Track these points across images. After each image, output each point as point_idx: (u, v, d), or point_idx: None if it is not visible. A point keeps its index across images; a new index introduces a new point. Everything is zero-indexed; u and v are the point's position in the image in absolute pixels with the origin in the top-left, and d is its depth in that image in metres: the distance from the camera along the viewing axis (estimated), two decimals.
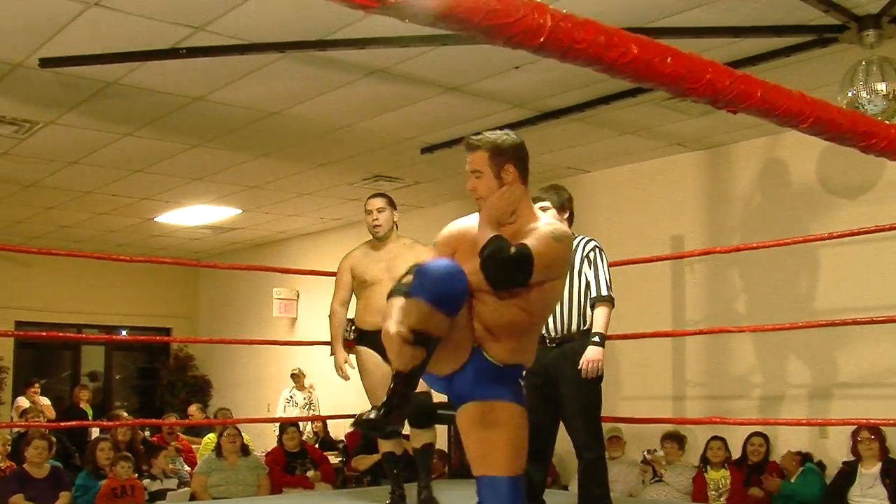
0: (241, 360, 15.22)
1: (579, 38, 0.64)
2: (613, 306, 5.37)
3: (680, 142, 9.00)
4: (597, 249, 5.44)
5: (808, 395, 8.23)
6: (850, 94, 6.15)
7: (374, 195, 6.08)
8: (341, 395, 12.52)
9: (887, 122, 6.18)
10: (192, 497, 8.51)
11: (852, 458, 7.46)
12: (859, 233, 6.56)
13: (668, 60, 0.70)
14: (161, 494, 8.78)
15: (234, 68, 6.81)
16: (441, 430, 6.49)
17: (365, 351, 5.85)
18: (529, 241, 3.50)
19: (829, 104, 0.93)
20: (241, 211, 12.25)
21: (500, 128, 8.11)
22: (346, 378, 5.89)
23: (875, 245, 7.56)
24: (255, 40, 6.21)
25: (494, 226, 3.61)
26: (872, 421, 6.79)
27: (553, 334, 5.27)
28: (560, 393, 5.25)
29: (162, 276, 16.00)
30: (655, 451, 8.71)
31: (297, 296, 14.32)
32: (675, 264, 9.17)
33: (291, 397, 12.99)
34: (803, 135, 7.72)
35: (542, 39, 0.67)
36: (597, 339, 5.20)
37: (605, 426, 8.96)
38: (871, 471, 7.26)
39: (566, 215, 5.48)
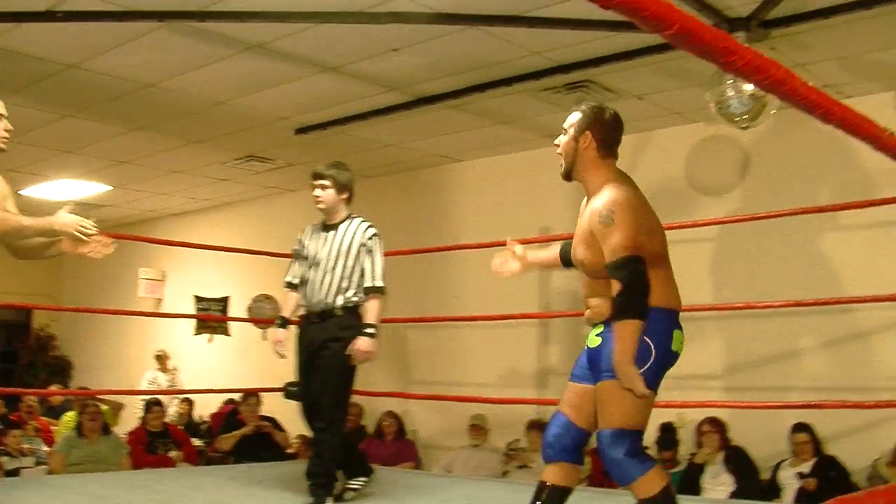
0: (103, 340, 14.95)
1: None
2: (384, 295, 5.56)
3: (552, 134, 9.08)
4: (376, 238, 5.56)
5: (671, 385, 8.43)
6: (717, 92, 6.36)
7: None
8: (205, 376, 12.48)
9: (749, 126, 6.47)
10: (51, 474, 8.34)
11: (698, 450, 7.82)
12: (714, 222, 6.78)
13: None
14: (16, 472, 8.60)
15: (111, 36, 6.67)
16: None
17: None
18: (609, 249, 3.68)
19: (695, 18, 0.98)
20: (110, 187, 12.00)
21: (376, 112, 8.26)
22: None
23: (734, 233, 7.84)
24: (134, 7, 6.11)
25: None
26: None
27: (318, 309, 5.47)
28: (317, 364, 5.44)
29: None
30: (519, 441, 8.86)
31: (164, 276, 14.15)
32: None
33: (154, 379, 12.82)
34: (672, 133, 8.06)
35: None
36: (371, 330, 5.40)
37: (469, 414, 9.15)
38: (716, 459, 7.61)
39: (346, 195, 5.59)
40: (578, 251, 3.89)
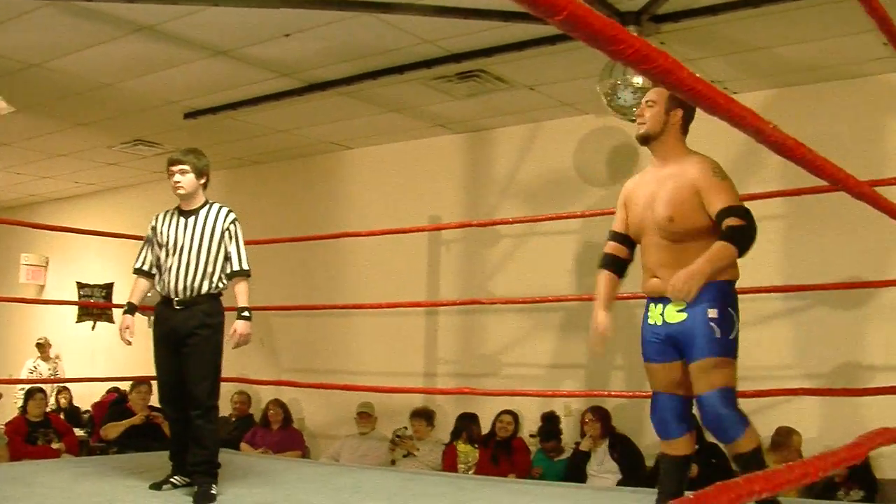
0: None
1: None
2: (249, 277, 5.55)
3: (443, 123, 9.18)
4: (236, 223, 5.52)
5: (554, 376, 8.53)
6: (608, 84, 6.43)
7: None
8: (89, 365, 12.23)
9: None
10: None
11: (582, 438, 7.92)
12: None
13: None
14: None
15: None
16: None
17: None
18: (724, 197, 4.01)
19: (585, 5, 0.98)
20: None
21: (267, 97, 8.17)
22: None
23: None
24: None
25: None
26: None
27: (182, 296, 5.36)
28: (186, 352, 5.33)
29: None
30: (405, 429, 8.87)
31: (47, 262, 13.84)
32: (431, 243, 9.34)
33: (35, 368, 12.57)
34: (562, 123, 8.13)
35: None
36: (246, 313, 5.39)
37: (355, 402, 9.14)
38: (601, 447, 7.72)
39: (203, 180, 5.51)
40: (667, 213, 4.11)
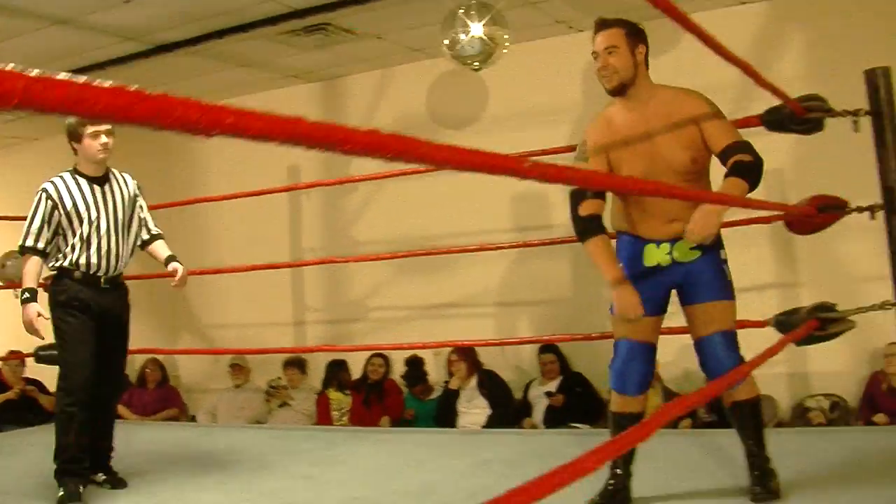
0: None
1: (52, 96, 0.72)
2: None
3: (296, 74, 9.19)
4: (140, 188, 5.23)
5: (422, 316, 8.71)
6: (450, 35, 6.54)
7: None
8: None
9: (482, 67, 6.68)
10: None
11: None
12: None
13: (139, 105, 0.81)
14: None
15: None
16: None
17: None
18: (729, 133, 3.86)
19: (303, 122, 1.03)
20: None
21: (113, 62, 8.06)
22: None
23: (473, 177, 8.07)
24: None
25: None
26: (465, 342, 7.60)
27: (111, 274, 4.93)
28: (114, 335, 5.02)
29: None
30: (279, 379, 8.97)
31: None
32: (291, 194, 9.38)
33: None
34: (413, 68, 8.24)
35: (16, 101, 0.72)
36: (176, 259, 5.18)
37: (228, 355, 9.20)
38: (469, 385, 7.92)
39: (80, 143, 4.91)
40: (688, 155, 3.87)
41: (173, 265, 5.11)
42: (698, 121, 3.82)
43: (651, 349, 4.01)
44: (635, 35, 3.90)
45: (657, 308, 3.97)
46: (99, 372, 4.85)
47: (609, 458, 1.96)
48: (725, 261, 3.96)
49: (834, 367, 7.10)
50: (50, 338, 4.92)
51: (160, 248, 5.22)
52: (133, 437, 6.30)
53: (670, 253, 3.91)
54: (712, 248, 3.89)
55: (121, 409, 9.06)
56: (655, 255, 3.95)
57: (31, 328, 4.79)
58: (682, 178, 3.87)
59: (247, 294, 9.64)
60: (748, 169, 3.71)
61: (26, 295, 4.79)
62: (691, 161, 3.85)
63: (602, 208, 3.98)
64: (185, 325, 10.22)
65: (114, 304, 4.98)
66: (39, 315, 4.78)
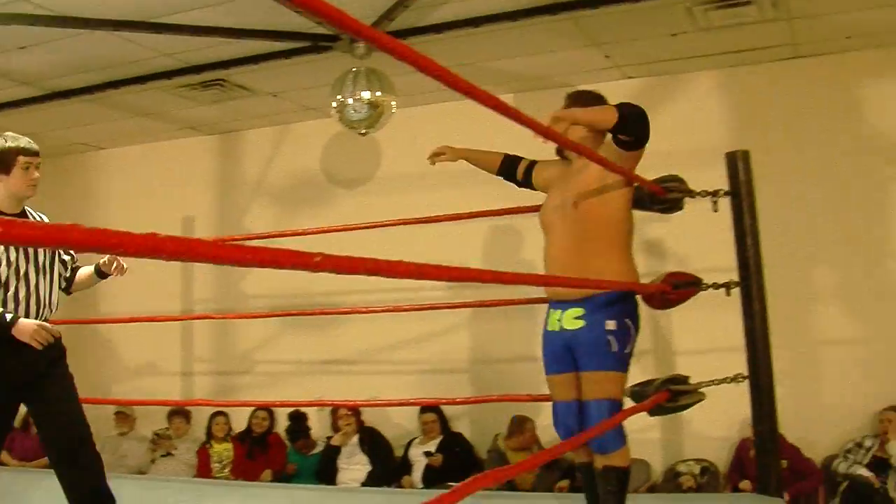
0: None
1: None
2: None
3: (192, 125, 9.24)
4: None
5: (308, 371, 8.76)
6: (338, 99, 6.67)
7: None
8: None
9: (368, 132, 6.82)
10: None
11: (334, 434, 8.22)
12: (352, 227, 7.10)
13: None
14: None
15: None
16: None
17: None
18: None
19: (76, 230, 1.05)
20: None
21: (7, 104, 8.02)
22: None
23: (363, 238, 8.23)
24: None
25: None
26: (350, 403, 7.77)
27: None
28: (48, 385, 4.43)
29: None
30: (167, 429, 8.93)
31: None
32: None
33: None
34: (308, 126, 8.36)
35: None
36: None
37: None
38: (351, 441, 8.03)
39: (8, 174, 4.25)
40: (583, 205, 4.00)
41: (107, 260, 4.53)
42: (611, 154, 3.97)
43: (567, 406, 4.10)
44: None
45: (567, 366, 4.08)
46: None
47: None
48: (617, 331, 3.96)
49: (706, 432, 7.32)
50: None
51: (83, 270, 4.62)
52: (11, 486, 6.30)
53: (560, 319, 4.05)
54: (599, 317, 3.95)
55: (3, 455, 8.93)
56: (552, 319, 4.12)
57: (41, 334, 4.12)
58: (586, 225, 4.02)
59: (137, 343, 9.59)
60: (621, 109, 3.86)
61: (7, 317, 4.04)
62: (587, 212, 4.01)
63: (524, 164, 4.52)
64: (74, 370, 10.11)
65: (43, 355, 4.26)
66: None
